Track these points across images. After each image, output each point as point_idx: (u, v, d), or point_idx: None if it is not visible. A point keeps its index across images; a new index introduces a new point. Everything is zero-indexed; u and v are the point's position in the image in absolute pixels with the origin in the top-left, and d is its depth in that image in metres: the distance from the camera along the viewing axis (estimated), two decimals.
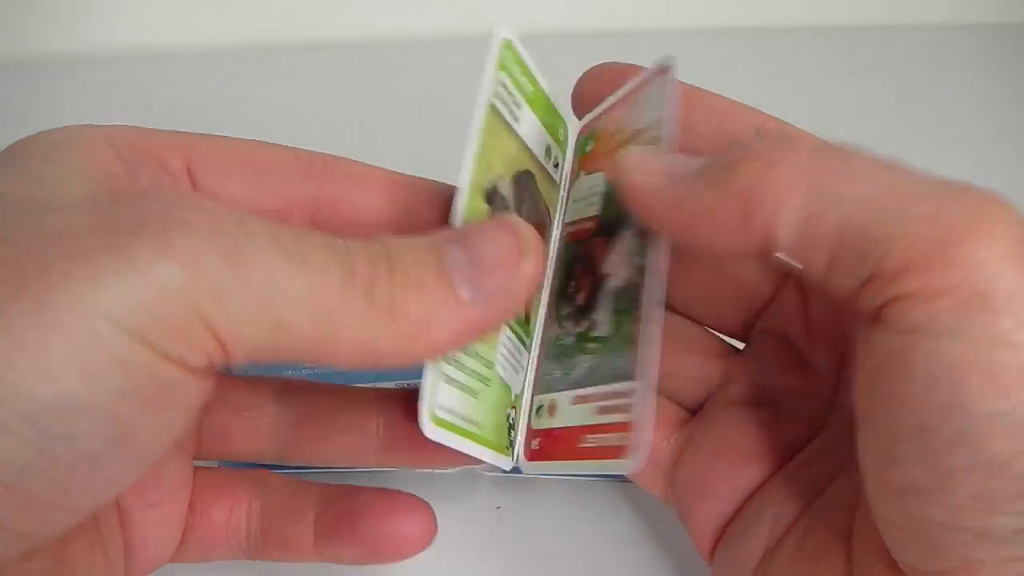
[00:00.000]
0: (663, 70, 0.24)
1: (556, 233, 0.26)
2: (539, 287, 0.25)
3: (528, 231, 0.20)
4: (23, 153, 0.20)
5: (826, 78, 0.54)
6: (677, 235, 0.21)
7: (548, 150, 0.26)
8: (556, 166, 0.27)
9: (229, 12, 0.55)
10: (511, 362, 0.25)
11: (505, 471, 0.24)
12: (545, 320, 0.26)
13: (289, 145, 0.24)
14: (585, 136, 0.27)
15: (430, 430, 0.21)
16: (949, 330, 0.17)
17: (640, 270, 0.22)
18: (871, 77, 0.54)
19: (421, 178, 0.25)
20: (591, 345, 0.24)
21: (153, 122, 0.27)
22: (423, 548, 0.24)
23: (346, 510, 0.24)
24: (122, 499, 0.24)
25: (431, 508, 0.24)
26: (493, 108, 0.24)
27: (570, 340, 0.25)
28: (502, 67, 0.24)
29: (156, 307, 0.16)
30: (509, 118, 0.24)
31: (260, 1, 0.55)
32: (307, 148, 0.25)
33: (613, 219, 0.24)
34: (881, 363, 0.18)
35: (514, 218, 0.21)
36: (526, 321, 0.25)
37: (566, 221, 0.26)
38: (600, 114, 0.26)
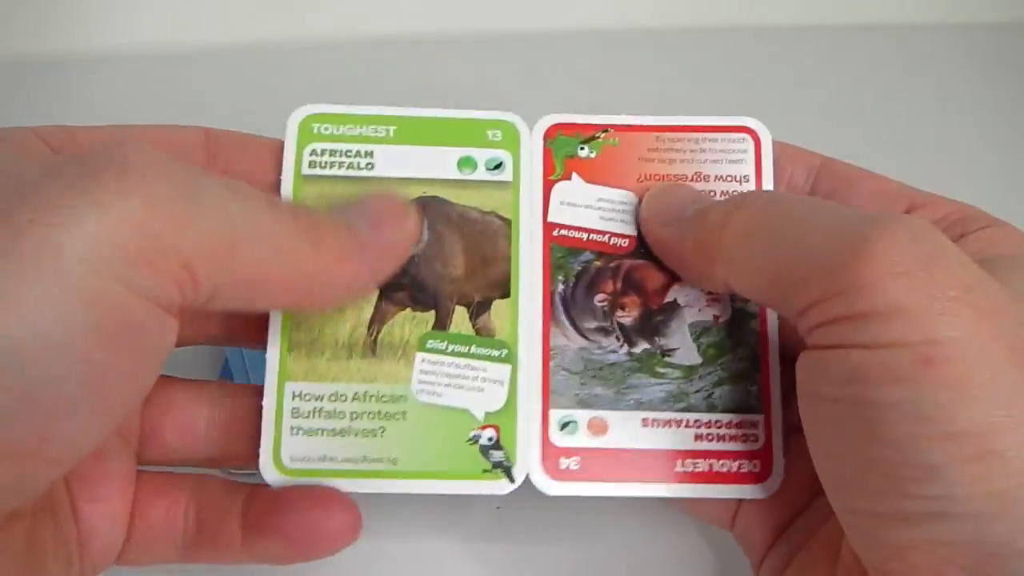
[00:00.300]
0: (751, 131, 0.26)
1: (535, 232, 0.26)
2: (501, 286, 0.26)
3: (403, 199, 0.25)
4: None
5: (826, 78, 0.54)
6: (675, 268, 0.26)
7: (465, 160, 0.26)
8: (497, 167, 0.27)
9: (229, 12, 0.55)
10: (458, 383, 0.25)
11: (502, 494, 0.25)
12: (550, 329, 0.26)
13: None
14: (569, 137, 0.27)
15: (274, 479, 0.24)
16: (853, 342, 0.20)
17: (730, 307, 0.25)
18: (871, 77, 0.54)
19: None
20: (668, 370, 0.25)
21: (153, 121, 0.27)
22: (348, 542, 0.24)
23: (270, 507, 0.24)
24: (72, 492, 0.24)
25: (353, 502, 0.25)
26: (314, 178, 0.26)
27: (618, 358, 0.25)
28: (304, 142, 0.27)
29: (121, 240, 0.17)
30: (361, 171, 0.26)
31: (260, 1, 0.55)
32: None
33: None
34: (808, 372, 0.21)
35: (383, 191, 0.25)
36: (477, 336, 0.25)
37: (557, 222, 0.26)
38: (607, 126, 0.26)
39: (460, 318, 0.26)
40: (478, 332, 0.25)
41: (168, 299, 0.19)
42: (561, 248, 0.26)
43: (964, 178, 0.49)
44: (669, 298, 0.26)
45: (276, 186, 0.26)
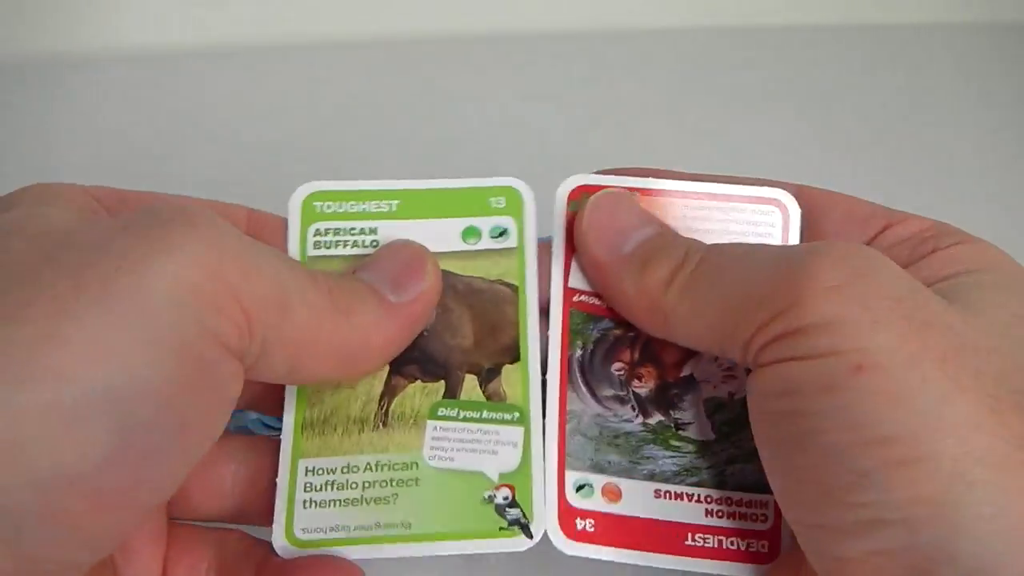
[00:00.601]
0: (781, 204, 0.26)
1: (555, 299, 0.26)
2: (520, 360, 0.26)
3: (418, 243, 0.25)
4: (17, 200, 0.22)
5: (826, 78, 0.54)
6: (606, 296, 0.26)
7: (469, 231, 0.27)
8: (502, 234, 0.27)
9: (229, 12, 0.55)
10: (471, 446, 0.25)
11: (521, 550, 0.25)
12: (567, 394, 0.26)
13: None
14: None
15: (284, 550, 0.24)
16: (791, 355, 0.20)
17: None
18: (871, 77, 0.54)
19: (265, 214, 0.27)
20: (681, 444, 0.25)
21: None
22: None
23: (279, 571, 0.24)
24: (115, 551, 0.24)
25: (359, 569, 0.25)
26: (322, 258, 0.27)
27: (632, 427, 0.25)
28: (308, 222, 0.27)
29: (196, 282, 0.18)
30: (366, 248, 0.27)
31: (260, 1, 0.55)
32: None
33: None
34: (752, 393, 0.22)
35: (399, 239, 0.25)
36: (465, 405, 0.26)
37: (577, 288, 0.26)
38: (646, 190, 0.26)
39: (470, 385, 0.26)
40: (489, 398, 0.26)
41: (233, 344, 0.19)
42: (580, 314, 0.26)
43: (964, 178, 0.49)
44: (685, 372, 0.26)
45: None
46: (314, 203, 0.26)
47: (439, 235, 0.26)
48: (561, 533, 0.25)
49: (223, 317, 0.19)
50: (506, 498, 0.25)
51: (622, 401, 0.25)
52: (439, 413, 0.25)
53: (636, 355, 0.26)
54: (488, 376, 0.26)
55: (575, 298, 0.26)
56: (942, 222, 0.26)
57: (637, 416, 0.25)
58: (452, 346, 0.26)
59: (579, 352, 0.26)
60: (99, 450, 0.17)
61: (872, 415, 0.19)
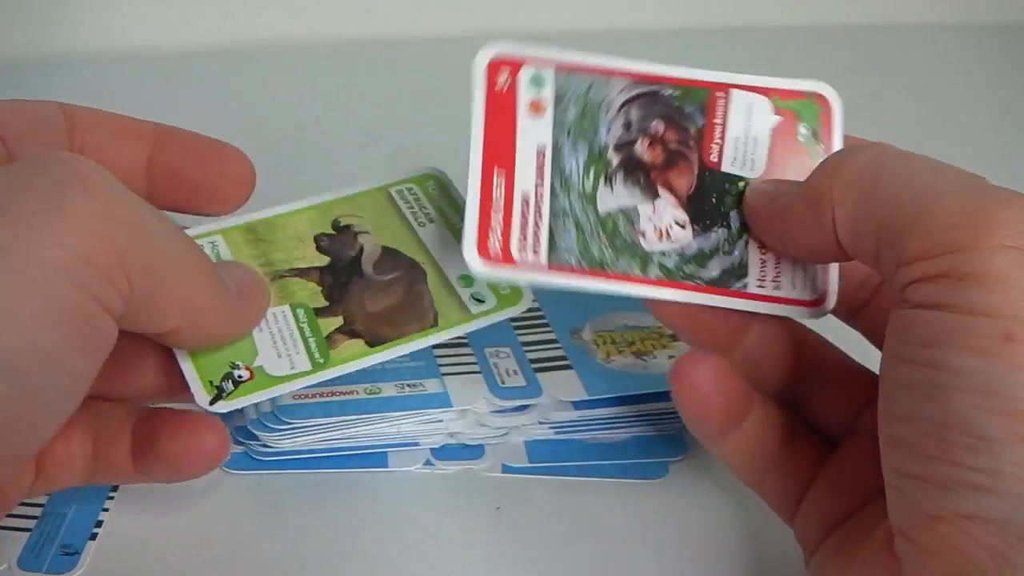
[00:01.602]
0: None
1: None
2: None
3: (259, 273, 0.28)
4: None
5: (826, 78, 0.54)
6: (778, 240, 0.26)
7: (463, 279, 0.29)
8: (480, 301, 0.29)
9: (229, 12, 0.55)
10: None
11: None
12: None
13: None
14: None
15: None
16: (945, 303, 0.20)
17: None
18: (871, 77, 0.54)
19: (175, 129, 0.28)
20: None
21: (155, 121, 0.27)
22: (220, 461, 0.26)
23: (151, 433, 0.26)
24: None
25: (222, 424, 0.26)
26: (391, 195, 0.31)
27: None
28: (415, 182, 0.32)
29: (90, 252, 0.19)
30: (411, 217, 0.31)
31: (260, 1, 0.55)
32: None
33: None
34: (893, 331, 0.22)
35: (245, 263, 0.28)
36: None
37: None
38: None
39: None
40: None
41: (116, 307, 0.21)
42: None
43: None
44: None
45: (128, 162, 0.27)
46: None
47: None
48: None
49: (110, 285, 0.20)
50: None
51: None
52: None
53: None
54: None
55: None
56: None
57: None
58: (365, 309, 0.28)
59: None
60: None
61: (1012, 387, 0.19)
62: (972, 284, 0.19)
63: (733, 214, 0.26)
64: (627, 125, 0.26)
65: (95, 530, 0.29)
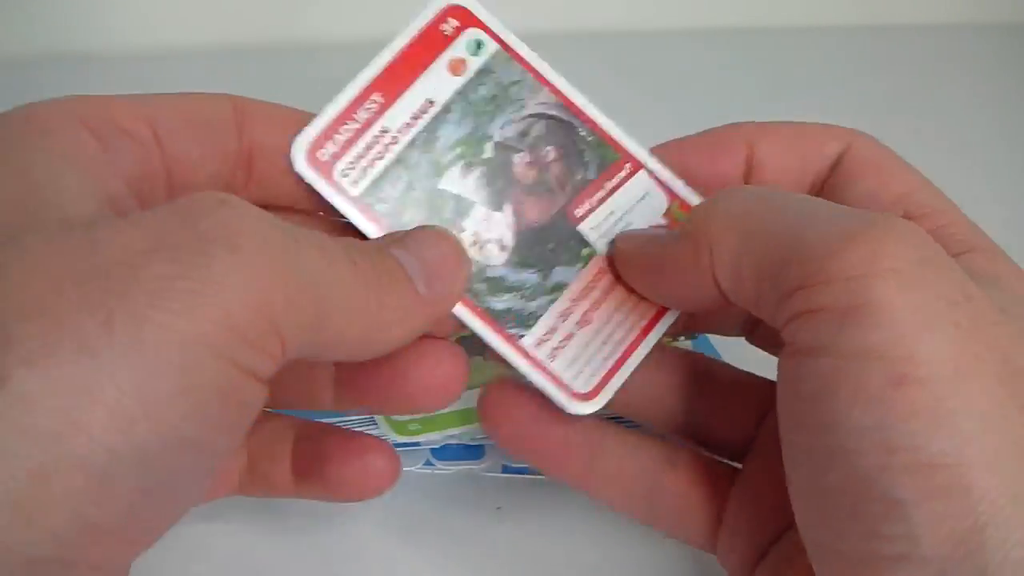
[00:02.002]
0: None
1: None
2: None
3: (456, 237, 0.24)
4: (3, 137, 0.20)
5: (826, 78, 0.54)
6: (652, 287, 0.25)
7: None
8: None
9: (229, 12, 0.55)
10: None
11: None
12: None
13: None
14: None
15: None
16: (825, 345, 0.18)
17: None
18: (871, 77, 0.54)
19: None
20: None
21: None
22: (389, 485, 0.25)
23: (316, 452, 0.25)
24: None
25: (391, 447, 0.25)
26: None
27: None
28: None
29: (238, 323, 0.17)
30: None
31: (259, 1, 0.55)
32: None
33: None
34: (783, 388, 0.20)
35: (440, 227, 0.24)
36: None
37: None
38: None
39: None
40: None
41: (267, 373, 0.18)
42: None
43: (964, 178, 0.49)
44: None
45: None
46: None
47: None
48: None
49: (261, 352, 0.17)
50: None
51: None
52: None
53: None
54: None
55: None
56: (957, 220, 0.24)
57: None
58: None
59: None
60: (124, 505, 0.16)
61: (911, 438, 0.17)
62: (855, 320, 0.18)
63: (557, 270, 0.25)
64: (523, 134, 0.25)
65: None
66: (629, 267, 0.25)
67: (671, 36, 0.57)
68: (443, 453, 0.32)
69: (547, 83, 0.26)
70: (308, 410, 0.26)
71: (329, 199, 0.24)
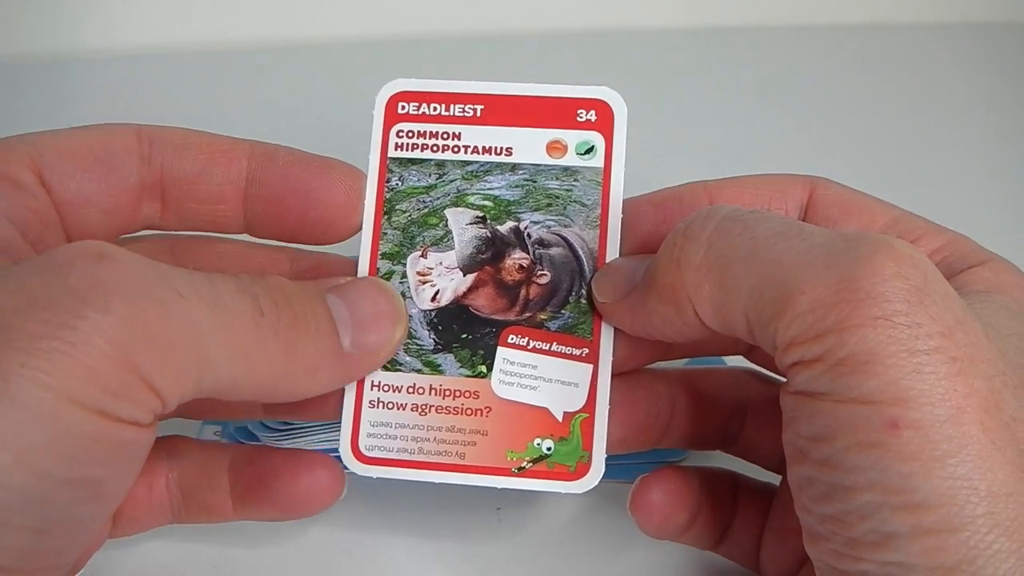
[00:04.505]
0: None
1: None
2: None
3: (398, 296, 0.24)
4: None
5: (826, 78, 0.54)
6: (645, 332, 0.24)
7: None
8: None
9: (228, 12, 0.55)
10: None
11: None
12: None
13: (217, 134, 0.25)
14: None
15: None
16: (825, 391, 0.19)
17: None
18: (871, 77, 0.54)
19: (275, 146, 0.25)
20: None
21: (153, 121, 0.27)
22: (335, 499, 0.25)
23: (258, 474, 0.25)
24: None
25: (335, 460, 0.25)
26: None
27: None
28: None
29: (104, 378, 0.18)
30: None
31: (259, 1, 0.55)
32: (307, 147, 0.25)
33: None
34: (786, 418, 0.21)
35: (384, 282, 0.24)
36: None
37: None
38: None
39: None
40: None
41: (145, 419, 0.19)
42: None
43: (964, 178, 0.49)
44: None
45: (214, 194, 0.25)
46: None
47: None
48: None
49: (130, 402, 0.18)
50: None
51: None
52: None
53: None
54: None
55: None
56: (957, 238, 0.25)
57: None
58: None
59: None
60: (19, 547, 0.18)
61: (906, 480, 0.18)
62: (848, 370, 0.18)
63: (449, 358, 0.25)
64: (541, 243, 0.25)
65: None
66: (616, 319, 0.25)
67: (670, 35, 0.57)
68: None
69: (604, 231, 0.25)
70: (241, 419, 0.27)
71: (373, 136, 0.25)
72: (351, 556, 0.29)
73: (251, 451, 0.26)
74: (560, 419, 0.25)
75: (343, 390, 0.25)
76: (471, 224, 0.25)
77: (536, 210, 0.25)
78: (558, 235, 0.25)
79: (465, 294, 0.25)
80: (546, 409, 0.25)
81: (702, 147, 0.47)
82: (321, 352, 0.22)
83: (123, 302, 0.18)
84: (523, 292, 0.25)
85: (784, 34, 0.58)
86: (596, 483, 0.24)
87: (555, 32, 0.55)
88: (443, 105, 0.26)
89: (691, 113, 0.51)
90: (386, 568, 0.29)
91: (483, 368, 0.25)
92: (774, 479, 0.28)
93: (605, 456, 0.24)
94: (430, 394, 0.25)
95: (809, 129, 0.51)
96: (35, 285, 0.18)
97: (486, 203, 0.25)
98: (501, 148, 0.25)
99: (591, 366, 0.25)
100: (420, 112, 0.25)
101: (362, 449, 0.24)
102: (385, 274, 0.25)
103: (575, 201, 0.25)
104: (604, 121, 0.25)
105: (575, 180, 0.25)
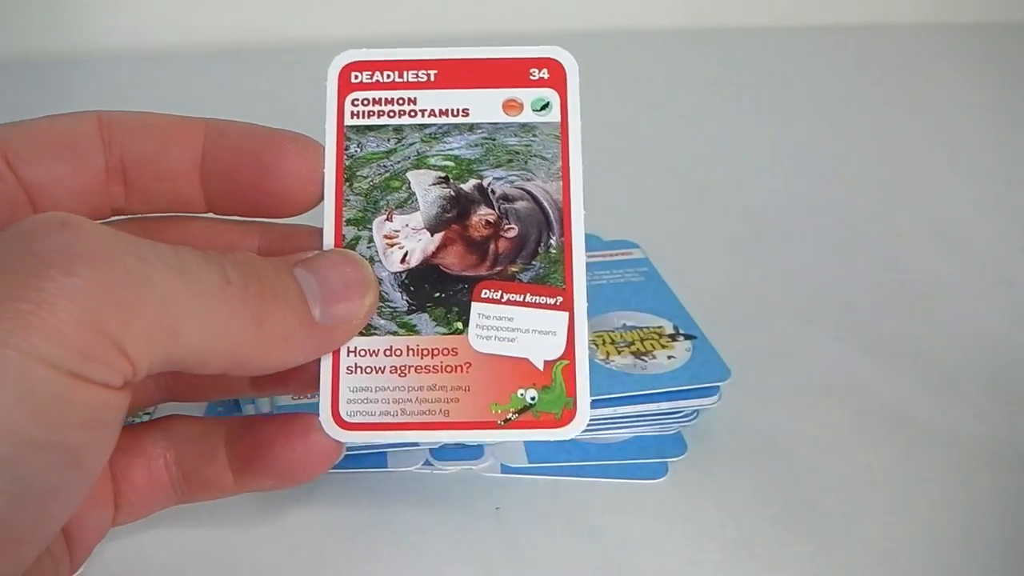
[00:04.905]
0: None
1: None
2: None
3: (367, 265, 0.24)
4: None
5: (826, 78, 0.54)
6: None
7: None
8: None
9: (228, 12, 0.55)
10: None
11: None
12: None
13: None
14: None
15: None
16: None
17: None
18: (871, 77, 0.54)
19: (229, 121, 0.26)
20: None
21: None
22: (333, 462, 0.25)
23: (254, 443, 0.25)
24: None
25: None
26: None
27: None
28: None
29: (69, 339, 0.18)
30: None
31: (260, 1, 0.55)
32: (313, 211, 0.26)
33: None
34: None
35: (351, 252, 0.24)
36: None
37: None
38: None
39: None
40: None
41: (115, 383, 0.19)
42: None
43: (964, 177, 0.49)
44: None
45: (173, 171, 0.25)
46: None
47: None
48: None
49: (101, 364, 0.19)
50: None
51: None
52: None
53: None
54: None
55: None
56: None
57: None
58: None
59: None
60: None
61: None
62: None
63: (424, 317, 0.25)
64: (506, 198, 0.25)
65: None
66: None
67: (671, 35, 0.57)
68: (442, 453, 0.32)
69: (567, 182, 0.25)
70: (213, 499, 0.27)
71: (327, 106, 0.26)
72: (351, 556, 0.29)
73: (245, 421, 0.26)
74: (541, 368, 0.25)
75: (320, 360, 0.24)
76: (434, 185, 0.25)
77: (498, 166, 0.26)
78: (522, 189, 0.25)
79: (434, 253, 0.25)
80: (526, 360, 0.25)
81: (703, 148, 0.47)
82: (291, 322, 0.22)
83: (87, 265, 0.18)
84: (492, 247, 0.25)
85: (783, 35, 0.58)
86: (584, 428, 0.24)
87: (554, 32, 0.56)
88: (396, 72, 0.26)
89: (692, 113, 0.51)
90: (386, 568, 0.29)
91: (459, 324, 0.25)
92: None
93: (590, 401, 0.24)
94: (408, 355, 0.25)
95: (807, 129, 0.51)
96: (1, 252, 0.19)
97: (447, 163, 0.26)
98: (458, 110, 0.26)
99: (567, 313, 0.25)
100: (374, 80, 0.26)
101: (343, 416, 0.24)
102: (351, 240, 0.25)
103: (535, 155, 0.26)
104: (557, 78, 0.26)
105: (533, 135, 0.26)
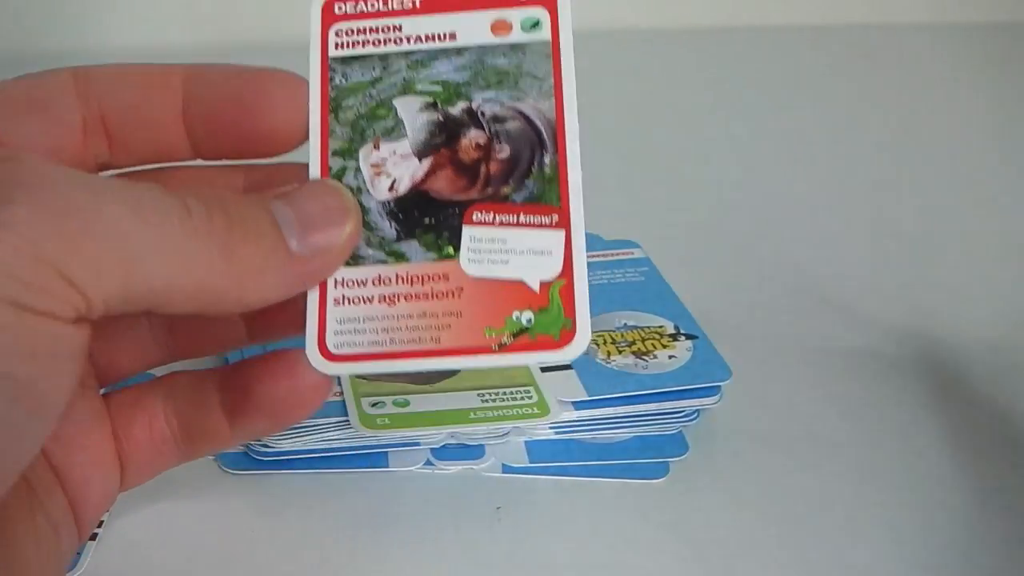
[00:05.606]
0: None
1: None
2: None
3: (347, 192, 0.23)
4: None
5: (826, 78, 0.54)
6: None
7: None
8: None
9: (228, 12, 0.55)
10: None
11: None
12: None
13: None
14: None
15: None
16: None
17: None
18: (871, 77, 0.54)
19: (209, 64, 0.25)
20: None
21: None
22: (324, 398, 0.24)
23: (242, 385, 0.25)
24: (50, 456, 0.24)
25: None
26: None
27: None
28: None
29: (14, 267, 0.18)
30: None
31: (260, 1, 0.55)
32: (306, 146, 0.25)
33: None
34: None
35: (331, 180, 0.24)
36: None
37: None
38: None
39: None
40: None
41: (65, 314, 0.19)
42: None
43: (964, 177, 0.49)
44: None
45: (155, 120, 0.25)
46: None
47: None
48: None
49: (49, 295, 0.18)
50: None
51: None
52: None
53: None
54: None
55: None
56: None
57: None
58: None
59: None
60: None
61: None
62: None
63: (414, 244, 0.24)
64: (497, 119, 0.25)
65: (95, 530, 0.29)
66: None
67: (671, 35, 0.57)
68: (443, 453, 0.32)
69: (559, 100, 0.25)
70: (214, 452, 0.27)
71: (311, 39, 0.25)
72: (350, 555, 0.29)
73: (236, 366, 0.25)
74: (537, 289, 0.24)
75: (307, 295, 0.24)
76: (422, 111, 0.25)
77: (487, 88, 0.25)
78: (513, 108, 0.25)
79: (423, 180, 0.25)
80: (521, 282, 0.24)
81: (702, 147, 0.47)
82: (264, 253, 0.21)
83: (28, 195, 0.18)
84: (483, 169, 0.25)
85: (783, 34, 0.58)
86: (584, 348, 0.23)
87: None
88: (380, 0, 0.25)
89: (692, 113, 0.51)
90: (386, 568, 0.29)
91: (450, 249, 0.24)
92: None
93: (590, 320, 0.24)
94: (397, 283, 0.24)
95: (807, 129, 0.51)
96: None
97: (435, 88, 0.25)
98: (444, 34, 0.25)
99: (563, 231, 0.24)
100: (358, 10, 0.25)
101: (330, 348, 0.23)
102: (338, 171, 0.24)
103: (526, 74, 0.25)
104: None
105: (523, 54, 0.25)
